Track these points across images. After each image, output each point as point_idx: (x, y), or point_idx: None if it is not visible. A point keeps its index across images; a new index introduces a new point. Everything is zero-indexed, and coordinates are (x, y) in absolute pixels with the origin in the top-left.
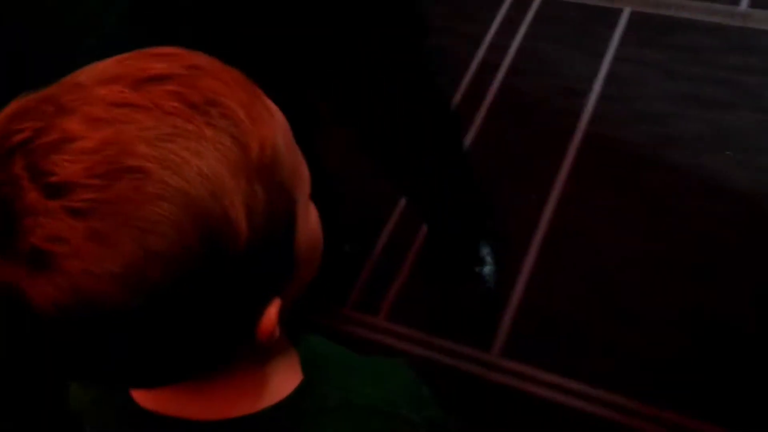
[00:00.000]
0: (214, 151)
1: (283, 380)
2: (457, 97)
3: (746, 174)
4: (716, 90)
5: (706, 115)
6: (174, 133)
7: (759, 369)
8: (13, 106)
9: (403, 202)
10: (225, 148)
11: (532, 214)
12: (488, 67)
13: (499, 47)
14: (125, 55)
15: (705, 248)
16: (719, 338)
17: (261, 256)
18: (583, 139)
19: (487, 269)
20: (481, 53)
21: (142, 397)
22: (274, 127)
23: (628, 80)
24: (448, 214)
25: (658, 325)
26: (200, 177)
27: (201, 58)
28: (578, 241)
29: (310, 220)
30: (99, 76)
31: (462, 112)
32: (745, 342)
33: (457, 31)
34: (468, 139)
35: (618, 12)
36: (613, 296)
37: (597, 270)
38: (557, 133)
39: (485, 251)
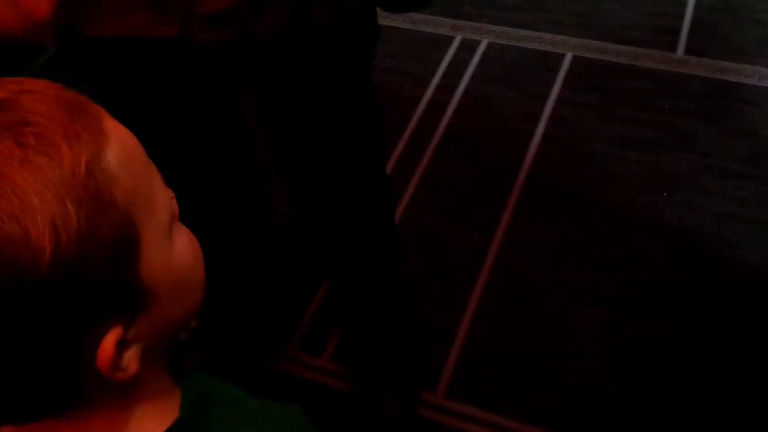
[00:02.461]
0: (21, 170)
1: (154, 422)
2: (405, 136)
3: (680, 213)
4: (653, 132)
5: (643, 157)
6: None
7: (703, 404)
8: None
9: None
10: (35, 167)
11: (476, 251)
12: (435, 107)
13: (446, 88)
14: None
15: (644, 284)
16: (662, 373)
17: (76, 280)
18: (527, 178)
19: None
20: (428, 93)
21: None
22: (102, 146)
23: (569, 122)
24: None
25: (602, 360)
26: None
27: (38, 84)
28: (522, 278)
29: (174, 249)
30: None
31: (409, 151)
32: (688, 377)
33: (406, 71)
34: (415, 178)
35: (560, 56)
36: (556, 332)
37: (541, 307)
38: (502, 171)
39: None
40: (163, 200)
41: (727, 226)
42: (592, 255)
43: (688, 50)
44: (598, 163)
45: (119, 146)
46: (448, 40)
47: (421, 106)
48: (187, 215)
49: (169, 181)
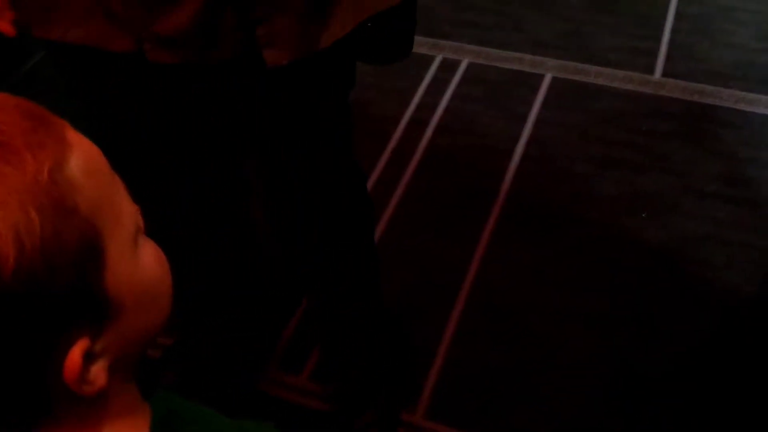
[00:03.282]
0: None
1: None
2: (386, 154)
3: (659, 233)
4: (631, 153)
5: (622, 177)
6: None
7: (685, 421)
8: None
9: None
10: None
11: (456, 269)
12: (417, 125)
13: (427, 106)
14: None
15: (623, 303)
16: (644, 391)
17: (41, 287)
18: (507, 197)
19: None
20: (410, 111)
21: None
22: (65, 155)
23: (549, 142)
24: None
25: (583, 380)
26: None
27: None
28: (503, 297)
29: (140, 261)
30: None
31: (391, 168)
32: (670, 394)
33: (387, 88)
34: (396, 195)
35: (540, 77)
36: (537, 352)
37: (521, 325)
38: (482, 190)
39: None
40: (128, 211)
41: (705, 246)
42: (572, 274)
43: (666, 73)
44: (578, 183)
45: (82, 155)
46: (428, 60)
47: (403, 123)
48: (164, 232)
49: (141, 195)
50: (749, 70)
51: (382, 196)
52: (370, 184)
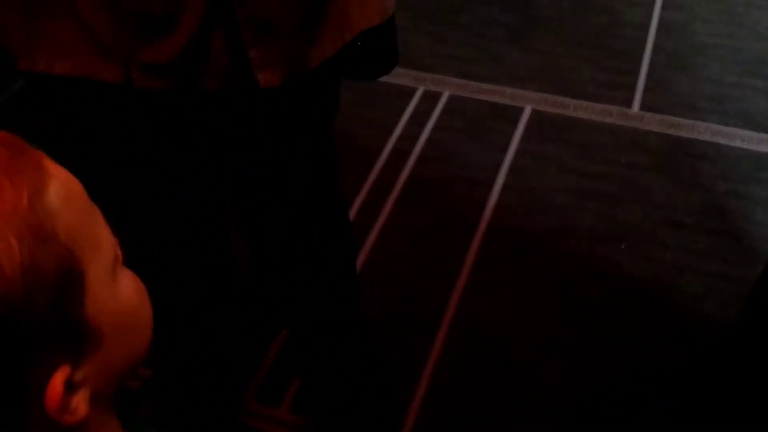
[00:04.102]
0: None
1: None
2: (368, 184)
3: (637, 264)
4: (610, 185)
5: (600, 209)
6: None
7: None
8: None
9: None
10: None
11: (438, 299)
12: (399, 156)
13: (409, 137)
14: None
15: (602, 333)
16: (625, 422)
17: (21, 314)
18: (488, 227)
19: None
20: (392, 142)
21: None
22: (44, 182)
23: (529, 173)
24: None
25: (564, 410)
26: None
27: None
28: (484, 326)
29: (119, 290)
30: None
31: (373, 198)
32: (649, 424)
33: (370, 119)
34: (378, 225)
35: (520, 110)
36: (519, 382)
37: (503, 355)
38: (463, 220)
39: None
40: (107, 240)
41: (683, 277)
42: (552, 304)
43: (644, 106)
44: (557, 214)
45: (60, 184)
46: (410, 91)
47: (385, 153)
48: (144, 264)
49: (122, 227)
50: (725, 103)
51: (364, 225)
52: (353, 212)
